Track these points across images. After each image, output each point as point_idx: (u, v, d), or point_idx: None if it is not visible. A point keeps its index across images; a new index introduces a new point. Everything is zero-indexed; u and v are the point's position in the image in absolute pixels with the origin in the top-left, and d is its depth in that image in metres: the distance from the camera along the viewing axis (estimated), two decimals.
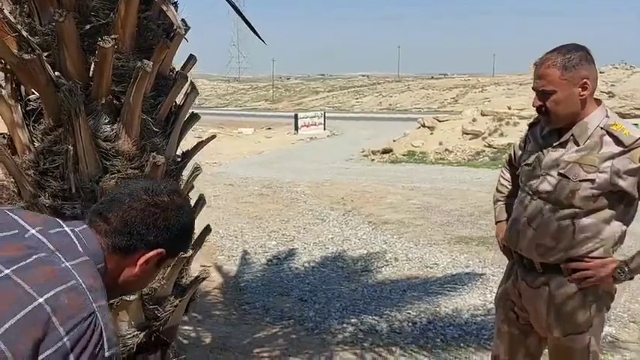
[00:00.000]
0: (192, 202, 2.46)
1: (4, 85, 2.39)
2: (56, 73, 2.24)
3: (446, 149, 18.38)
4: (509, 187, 2.85)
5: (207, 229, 2.99)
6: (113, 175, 2.27)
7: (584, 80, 2.27)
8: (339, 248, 7.21)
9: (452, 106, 43.17)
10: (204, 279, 2.79)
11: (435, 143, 18.99)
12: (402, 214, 9.18)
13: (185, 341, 4.29)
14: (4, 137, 2.37)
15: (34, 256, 1.16)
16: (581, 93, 2.28)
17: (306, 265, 6.56)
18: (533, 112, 2.53)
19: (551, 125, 2.42)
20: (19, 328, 1.06)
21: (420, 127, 20.76)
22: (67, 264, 1.17)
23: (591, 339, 2.43)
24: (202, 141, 2.79)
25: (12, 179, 2.37)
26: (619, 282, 2.37)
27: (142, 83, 2.25)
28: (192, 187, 2.76)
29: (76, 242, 1.24)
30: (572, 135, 2.36)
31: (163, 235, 1.33)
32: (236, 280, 6.02)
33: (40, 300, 1.09)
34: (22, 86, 2.40)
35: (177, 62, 2.73)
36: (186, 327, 4.51)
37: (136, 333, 2.48)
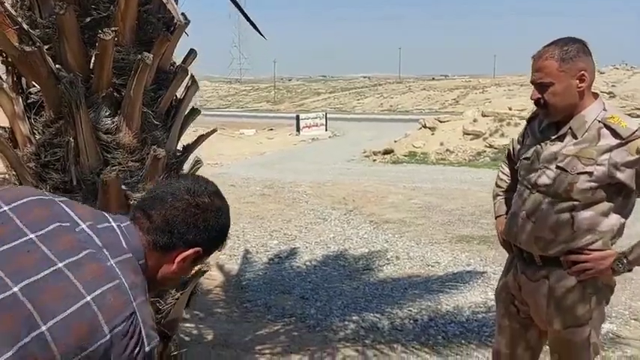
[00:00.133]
0: None
1: (5, 77, 2.40)
2: (57, 65, 2.24)
3: (447, 150, 18.37)
4: (509, 181, 2.85)
5: None
6: (114, 168, 2.28)
7: (582, 72, 2.28)
8: (340, 247, 7.22)
9: (453, 107, 43.14)
10: (204, 272, 2.79)
11: (436, 144, 18.98)
12: (403, 214, 9.19)
13: (187, 338, 4.29)
14: (5, 130, 2.39)
15: (84, 252, 1.20)
16: (579, 85, 2.29)
17: (307, 263, 6.57)
18: None
19: (550, 118, 2.43)
20: (66, 324, 1.10)
21: (421, 128, 20.74)
22: (112, 262, 1.22)
23: (591, 331, 2.43)
24: (203, 135, 2.80)
25: (13, 172, 2.38)
26: (618, 274, 2.38)
27: (143, 76, 2.26)
28: None
29: (121, 239, 1.28)
30: (570, 128, 2.37)
31: (202, 235, 1.37)
32: (238, 279, 6.02)
33: (88, 298, 1.13)
34: (23, 79, 2.40)
35: (178, 58, 2.75)
36: (187, 324, 4.52)
37: None
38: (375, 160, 18.71)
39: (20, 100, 2.35)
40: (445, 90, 58.24)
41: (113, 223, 1.31)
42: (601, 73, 33.55)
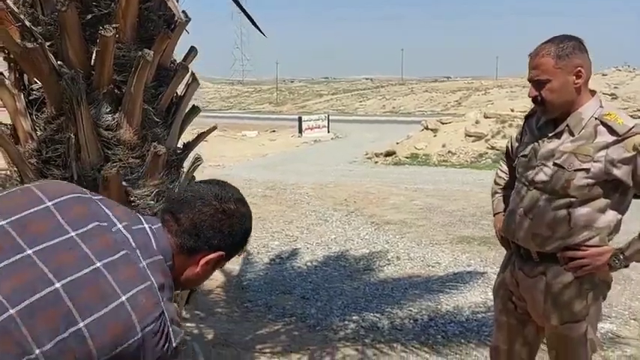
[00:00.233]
0: None
1: (7, 74, 2.43)
2: (58, 62, 2.26)
3: (449, 151, 18.36)
4: (507, 179, 2.87)
5: None
6: (115, 164, 2.30)
7: (578, 68, 2.30)
8: (341, 248, 7.23)
9: (455, 109, 43.12)
10: None
11: (438, 145, 18.97)
12: (404, 215, 9.20)
13: (187, 337, 4.31)
14: (7, 127, 2.41)
15: (121, 253, 1.26)
16: (576, 81, 2.31)
17: (308, 264, 6.58)
18: None
19: (547, 115, 2.44)
20: (102, 322, 1.17)
21: (423, 130, 20.74)
22: (144, 263, 1.28)
23: (588, 327, 2.45)
24: (204, 132, 2.82)
25: (15, 168, 2.40)
26: (615, 270, 2.39)
27: (143, 72, 2.29)
28: (194, 177, 2.79)
29: (153, 241, 1.34)
30: (567, 125, 2.38)
31: (226, 240, 1.43)
32: (238, 279, 6.04)
33: (123, 298, 1.20)
34: (25, 75, 2.43)
35: (180, 57, 2.76)
36: (188, 323, 4.54)
37: None
38: (377, 162, 18.71)
39: (22, 96, 2.38)
40: (447, 92, 58.22)
41: (145, 225, 1.36)
42: (603, 75, 33.58)
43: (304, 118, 32.03)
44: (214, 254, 1.42)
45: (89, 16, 2.31)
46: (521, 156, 2.57)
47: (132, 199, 2.34)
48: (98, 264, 1.22)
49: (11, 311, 1.12)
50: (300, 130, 29.91)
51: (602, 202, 2.33)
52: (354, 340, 4.42)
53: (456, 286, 5.69)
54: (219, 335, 4.47)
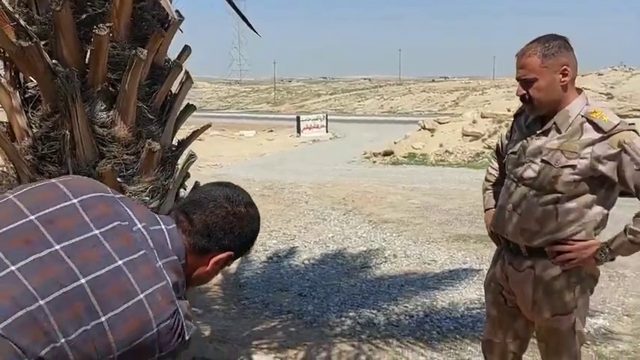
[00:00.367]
0: (188, 190, 2.54)
1: (3, 72, 2.46)
2: (53, 60, 2.29)
3: (446, 151, 18.40)
4: (497, 175, 2.91)
5: None
6: (109, 161, 2.33)
7: (564, 67, 2.35)
8: (339, 246, 7.26)
9: (452, 109, 43.07)
10: None
11: (436, 145, 19.00)
12: (401, 214, 9.24)
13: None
14: (3, 124, 2.44)
15: (140, 252, 1.33)
16: (562, 79, 2.36)
17: (306, 262, 6.62)
18: None
19: (535, 112, 2.49)
20: (122, 318, 1.25)
21: (420, 130, 20.75)
22: (160, 263, 1.35)
23: (577, 320, 2.50)
24: (197, 130, 2.85)
25: (11, 164, 2.44)
26: (601, 263, 2.44)
27: (137, 71, 2.32)
28: (188, 175, 2.82)
29: (168, 241, 1.41)
30: (554, 123, 2.43)
31: (235, 242, 1.50)
32: (236, 277, 6.06)
33: (141, 296, 1.28)
34: (20, 74, 2.46)
35: (174, 56, 2.79)
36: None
37: None
38: (375, 162, 18.73)
39: (18, 94, 2.41)
40: (445, 92, 58.19)
41: (162, 226, 1.43)
42: (599, 74, 33.59)
43: (302, 117, 31.97)
44: (224, 254, 1.49)
45: (84, 16, 2.33)
46: (511, 153, 2.62)
47: (127, 195, 2.37)
48: (119, 262, 1.29)
49: (41, 302, 1.19)
50: (299, 130, 29.88)
51: (588, 197, 2.38)
52: (351, 336, 4.45)
53: (451, 283, 5.73)
54: (217, 332, 4.50)
